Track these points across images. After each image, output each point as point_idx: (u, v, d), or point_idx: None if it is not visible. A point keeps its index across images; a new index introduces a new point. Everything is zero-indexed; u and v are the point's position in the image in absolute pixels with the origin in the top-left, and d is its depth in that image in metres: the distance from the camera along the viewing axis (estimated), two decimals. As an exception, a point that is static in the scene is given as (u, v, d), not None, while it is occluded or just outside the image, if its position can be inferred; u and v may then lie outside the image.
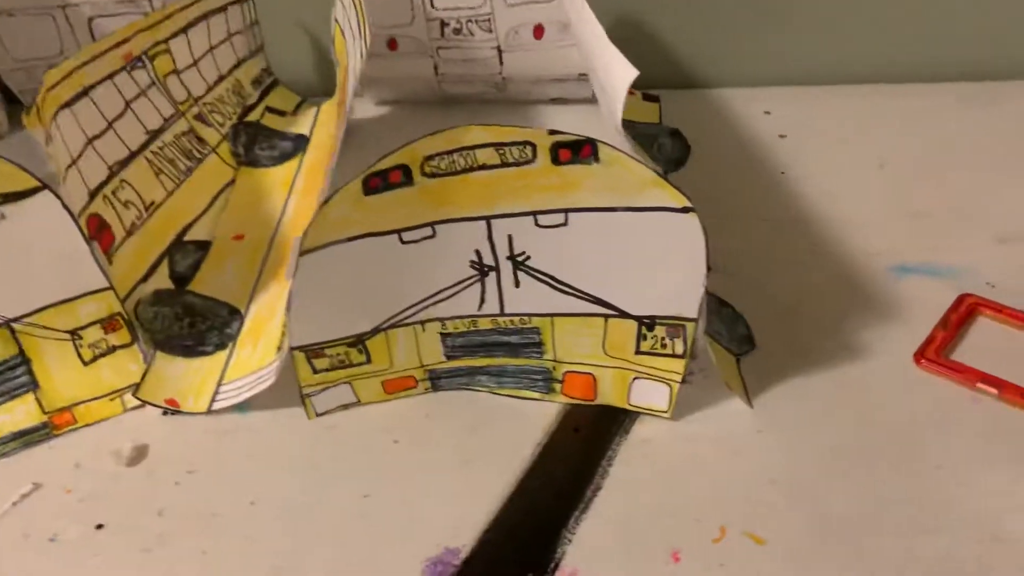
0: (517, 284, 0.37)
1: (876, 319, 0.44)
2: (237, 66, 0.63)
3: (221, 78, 0.61)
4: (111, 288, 0.41)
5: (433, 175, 0.33)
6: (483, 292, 0.37)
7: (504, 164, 0.33)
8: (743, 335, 0.43)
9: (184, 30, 0.57)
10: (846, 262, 0.48)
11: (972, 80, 0.66)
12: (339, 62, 0.62)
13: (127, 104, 0.51)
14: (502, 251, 0.36)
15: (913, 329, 0.43)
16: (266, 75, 0.67)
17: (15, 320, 0.40)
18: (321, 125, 0.62)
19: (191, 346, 0.43)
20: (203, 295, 0.47)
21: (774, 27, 0.68)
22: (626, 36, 0.69)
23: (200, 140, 0.56)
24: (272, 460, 0.38)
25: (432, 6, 0.61)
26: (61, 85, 0.44)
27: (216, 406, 0.40)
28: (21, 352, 0.40)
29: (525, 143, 0.32)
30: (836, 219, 0.52)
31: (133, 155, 0.49)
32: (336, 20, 0.60)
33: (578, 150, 0.32)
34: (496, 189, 0.34)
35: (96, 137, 0.47)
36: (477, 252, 0.36)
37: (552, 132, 0.32)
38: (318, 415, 0.40)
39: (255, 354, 0.42)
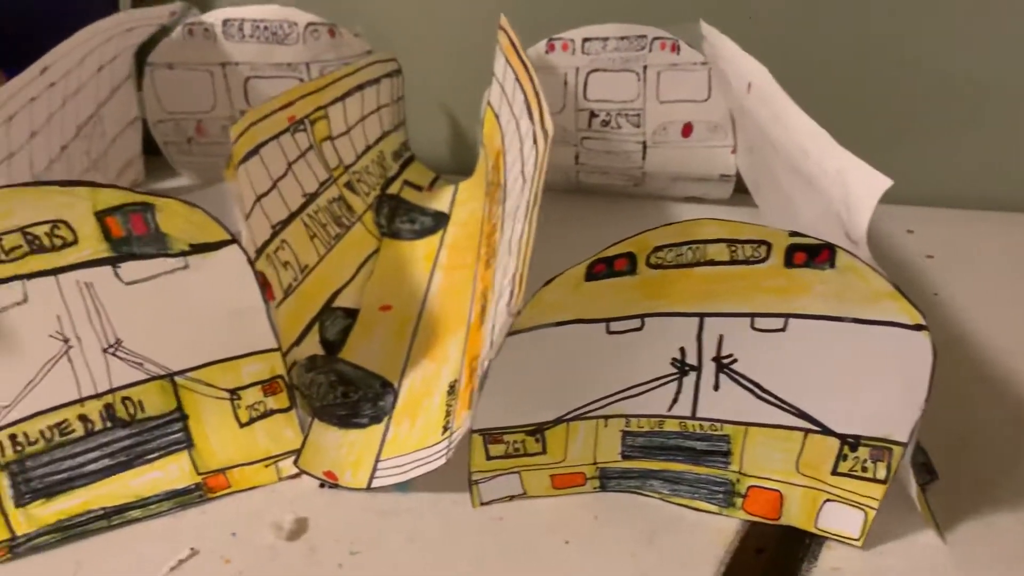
0: (716, 387, 0.35)
1: (1061, 459, 0.41)
2: (382, 138, 0.64)
3: (368, 148, 0.61)
4: (279, 350, 0.40)
5: (657, 266, 0.32)
6: (677, 392, 0.35)
7: (733, 261, 0.31)
8: (922, 463, 0.40)
9: (342, 98, 0.57)
10: (1016, 393, 0.46)
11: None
12: (484, 144, 0.62)
13: (289, 165, 0.50)
14: (708, 351, 0.34)
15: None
16: (405, 149, 0.67)
17: (179, 373, 0.39)
18: (461, 204, 0.62)
19: (345, 416, 0.42)
20: (355, 365, 0.45)
21: (916, 146, 0.67)
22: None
23: (349, 208, 0.56)
24: (437, 548, 0.35)
25: (585, 97, 0.61)
26: (241, 140, 0.44)
27: (376, 483, 0.38)
28: (179, 407, 0.39)
29: (761, 242, 0.31)
30: (998, 347, 0.50)
31: (292, 216, 0.49)
32: (489, 103, 0.60)
33: (815, 254, 0.31)
34: (717, 286, 0.32)
35: (263, 195, 0.46)
36: (682, 350, 0.34)
37: (793, 234, 0.31)
38: (483, 504, 0.38)
39: (413, 432, 0.40)
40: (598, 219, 0.63)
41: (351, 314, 0.50)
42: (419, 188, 0.65)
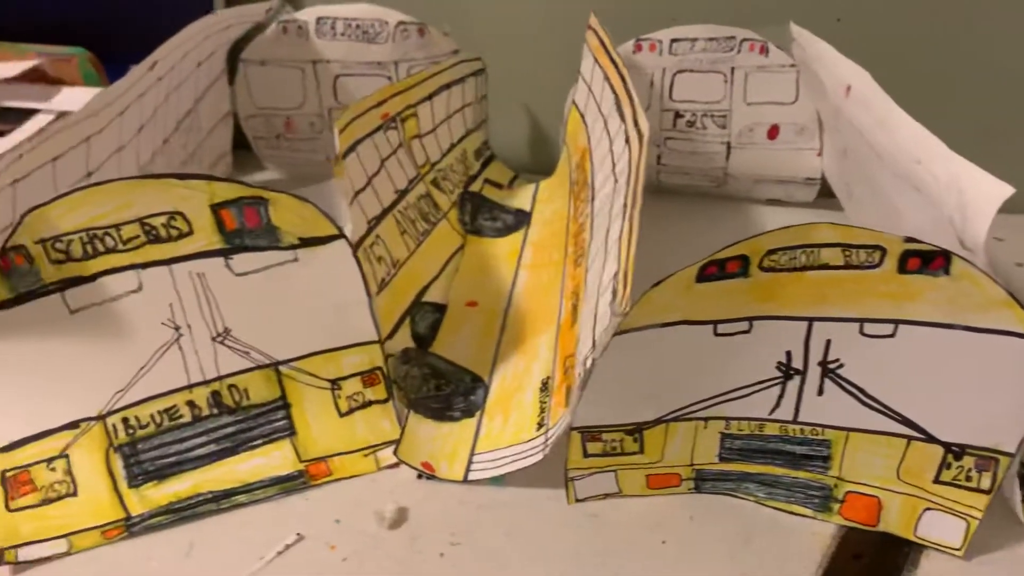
0: (820, 392, 0.35)
1: None
2: (465, 136, 0.64)
3: (452, 146, 0.62)
4: (379, 342, 0.40)
5: (770, 269, 0.32)
6: (780, 396, 0.35)
7: (847, 266, 0.31)
8: (1019, 474, 0.40)
9: (430, 96, 0.58)
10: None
11: None
12: (567, 143, 0.62)
13: (382, 162, 0.51)
14: (815, 355, 0.34)
15: None
16: (485, 148, 0.68)
17: (283, 363, 0.40)
18: (542, 202, 0.62)
19: (439, 409, 0.42)
20: (446, 359, 0.46)
21: (1006, 151, 0.65)
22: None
23: (435, 205, 0.57)
24: (535, 542, 0.36)
25: (670, 97, 0.61)
26: (342, 136, 0.45)
27: (472, 476, 0.39)
28: (283, 396, 0.40)
29: (875, 247, 0.31)
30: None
31: (385, 212, 0.50)
32: (574, 102, 0.60)
33: (929, 260, 0.31)
34: (828, 290, 0.32)
35: (360, 191, 0.47)
36: (788, 354, 0.34)
37: (908, 239, 0.30)
38: (578, 500, 0.38)
39: (507, 428, 0.41)
40: (678, 220, 0.63)
41: (439, 309, 0.50)
42: (499, 186, 0.66)
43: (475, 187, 0.63)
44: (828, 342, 0.33)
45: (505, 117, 0.71)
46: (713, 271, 0.32)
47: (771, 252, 0.31)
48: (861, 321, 0.33)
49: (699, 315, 0.33)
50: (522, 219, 0.61)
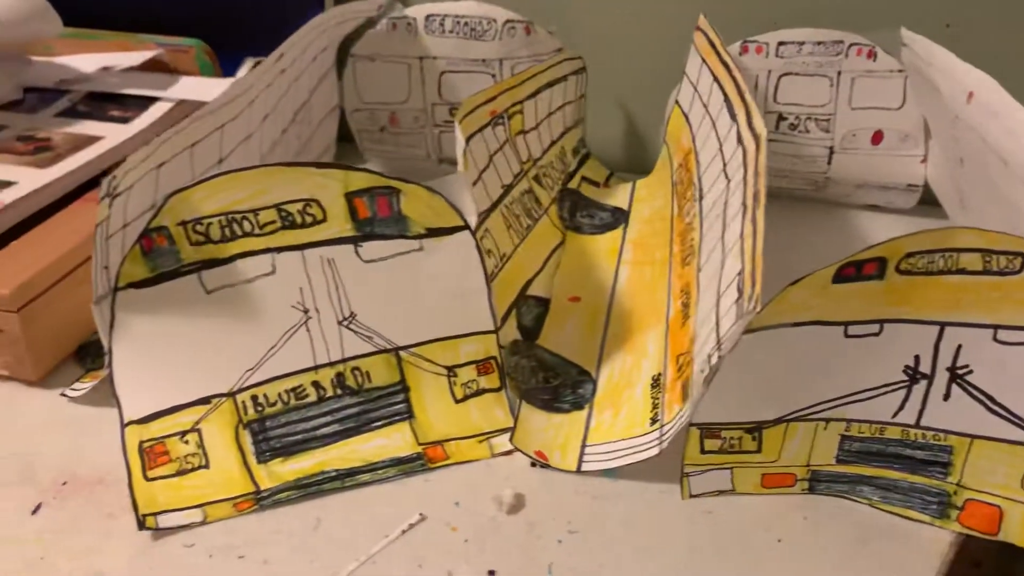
0: (946, 398, 0.35)
1: None
2: (563, 134, 0.65)
3: (552, 143, 0.63)
4: (495, 332, 0.41)
5: (906, 272, 0.32)
6: (905, 400, 0.35)
7: (986, 272, 0.31)
8: None
9: (535, 94, 0.59)
10: None
11: None
12: (668, 143, 0.63)
13: (490, 158, 0.52)
14: (944, 361, 0.34)
15: None
16: (582, 145, 0.69)
17: (403, 348, 0.41)
18: (641, 201, 0.63)
19: (548, 401, 0.43)
20: (552, 352, 0.47)
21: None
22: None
23: (537, 201, 0.57)
24: (651, 534, 0.36)
25: (774, 100, 0.61)
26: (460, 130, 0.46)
27: (585, 467, 0.39)
28: (402, 380, 0.41)
29: (1017, 253, 0.31)
30: None
31: (493, 206, 0.51)
32: (677, 102, 0.61)
33: (1073, 269, 0.30)
34: (964, 296, 0.32)
35: (471, 185, 0.48)
36: (916, 357, 0.34)
37: (1051, 246, 0.30)
38: (692, 496, 0.38)
39: (617, 421, 0.41)
40: (779, 222, 0.62)
41: (543, 303, 0.51)
42: (596, 184, 0.66)
43: (573, 184, 0.64)
44: (959, 347, 0.33)
45: (600, 115, 0.71)
46: (850, 272, 0.32)
47: (909, 255, 0.32)
48: (995, 328, 0.33)
49: (832, 316, 0.33)
50: (620, 217, 0.61)
